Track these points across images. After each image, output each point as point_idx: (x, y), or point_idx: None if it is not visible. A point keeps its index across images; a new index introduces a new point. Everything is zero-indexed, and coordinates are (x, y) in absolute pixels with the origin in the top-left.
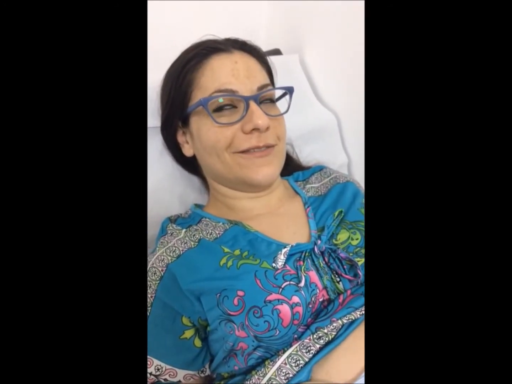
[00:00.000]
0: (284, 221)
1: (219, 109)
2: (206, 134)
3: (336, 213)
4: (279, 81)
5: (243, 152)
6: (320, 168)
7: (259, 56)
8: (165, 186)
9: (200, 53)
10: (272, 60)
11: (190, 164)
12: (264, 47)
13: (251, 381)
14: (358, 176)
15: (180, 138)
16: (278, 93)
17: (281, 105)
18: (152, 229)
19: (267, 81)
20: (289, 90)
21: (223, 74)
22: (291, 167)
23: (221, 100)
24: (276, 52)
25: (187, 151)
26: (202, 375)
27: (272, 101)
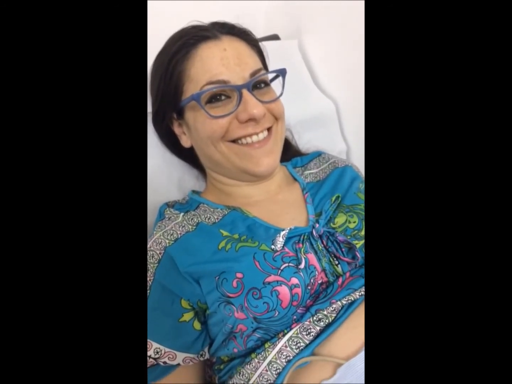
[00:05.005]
0: (283, 207)
1: (213, 99)
2: (202, 126)
3: (333, 198)
4: (277, 67)
5: (242, 144)
6: (318, 154)
7: (249, 39)
8: (163, 172)
9: (188, 42)
10: (271, 45)
11: (186, 154)
12: (263, 33)
13: (251, 365)
14: (357, 164)
15: (177, 130)
16: (271, 75)
17: (276, 88)
18: (150, 216)
19: (259, 65)
20: (281, 73)
21: (213, 65)
22: (290, 153)
23: (215, 89)
24: (275, 37)
25: (185, 142)
26: (202, 358)
27: (267, 84)
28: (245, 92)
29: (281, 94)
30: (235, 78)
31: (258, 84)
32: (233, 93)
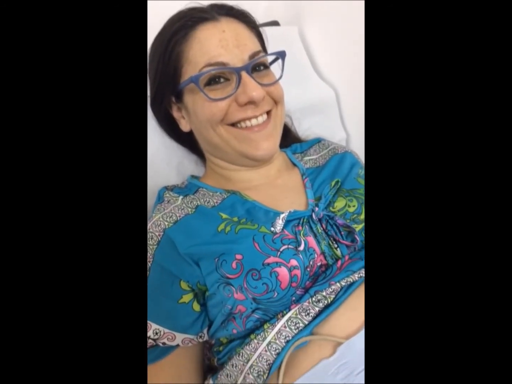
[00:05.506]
0: (282, 191)
1: (212, 82)
2: (201, 109)
3: (333, 183)
4: None
5: (241, 127)
6: (318, 140)
7: (248, 21)
8: (162, 157)
9: (186, 24)
10: (270, 32)
11: (185, 139)
12: (263, 19)
13: (250, 346)
14: (356, 151)
15: (176, 114)
16: (271, 58)
17: (276, 72)
18: (149, 200)
19: (258, 47)
20: (281, 55)
21: (212, 46)
22: (289, 139)
23: (213, 71)
24: (274, 23)
25: (184, 126)
26: (201, 340)
27: (266, 66)
28: (244, 74)
29: (280, 77)
30: (234, 60)
31: (257, 67)
32: (232, 76)
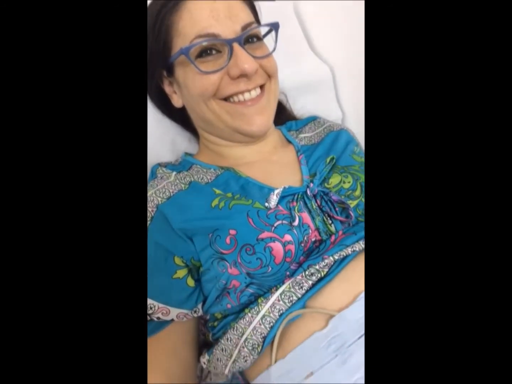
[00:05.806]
0: (276, 168)
1: (203, 54)
2: (192, 83)
3: (328, 160)
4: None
5: (234, 102)
6: (313, 118)
7: None
8: (155, 134)
9: None
10: (265, 6)
11: (178, 115)
12: None
13: (245, 319)
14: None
15: (168, 89)
16: (264, 30)
17: (269, 45)
18: None
19: (251, 19)
20: (274, 27)
21: (203, 17)
22: (284, 117)
23: (204, 43)
24: None
25: (176, 102)
26: (195, 315)
27: (259, 38)
28: (236, 46)
29: (274, 49)
30: (226, 31)
31: (250, 38)
32: (224, 47)
